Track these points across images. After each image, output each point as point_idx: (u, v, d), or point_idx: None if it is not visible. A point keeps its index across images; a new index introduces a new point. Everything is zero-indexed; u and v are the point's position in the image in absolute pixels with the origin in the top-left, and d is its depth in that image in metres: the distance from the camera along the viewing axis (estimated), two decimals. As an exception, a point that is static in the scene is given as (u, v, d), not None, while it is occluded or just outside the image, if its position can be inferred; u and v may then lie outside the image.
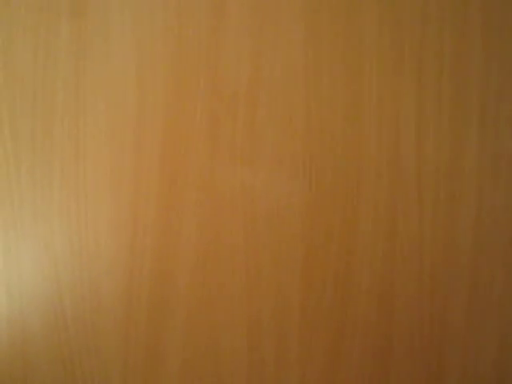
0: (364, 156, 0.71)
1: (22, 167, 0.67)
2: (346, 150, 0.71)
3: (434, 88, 0.72)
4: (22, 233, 0.67)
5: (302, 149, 0.70)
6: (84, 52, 0.67)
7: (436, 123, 0.73)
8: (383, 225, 0.72)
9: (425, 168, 0.73)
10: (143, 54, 0.67)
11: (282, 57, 0.69)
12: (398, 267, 0.73)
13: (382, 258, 0.73)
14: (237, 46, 0.69)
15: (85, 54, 0.67)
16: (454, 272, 0.74)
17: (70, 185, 0.67)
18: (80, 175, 0.67)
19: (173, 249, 0.68)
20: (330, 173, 0.71)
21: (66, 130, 0.67)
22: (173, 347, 0.69)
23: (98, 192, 0.67)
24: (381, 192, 0.72)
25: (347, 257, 0.72)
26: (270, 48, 0.69)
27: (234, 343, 0.70)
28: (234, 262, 0.69)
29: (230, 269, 0.69)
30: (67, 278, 0.68)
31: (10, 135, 0.67)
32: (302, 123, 0.70)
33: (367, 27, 0.71)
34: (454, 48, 0.72)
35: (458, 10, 0.72)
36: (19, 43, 0.67)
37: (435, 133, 0.73)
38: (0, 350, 0.68)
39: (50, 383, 0.68)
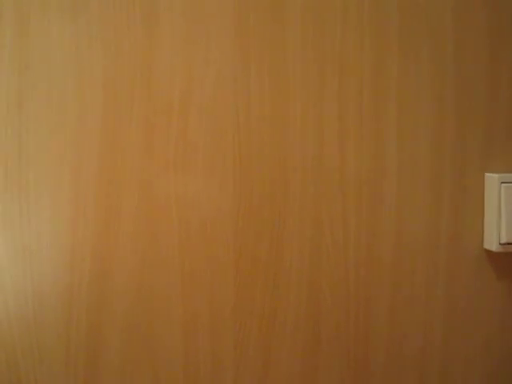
0: (290, 163, 0.76)
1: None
2: (273, 159, 0.75)
3: (356, 96, 0.77)
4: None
5: (232, 158, 0.74)
6: (26, 60, 0.68)
7: (357, 129, 0.77)
8: (309, 227, 0.77)
9: (347, 172, 0.77)
10: (82, 64, 0.70)
11: (213, 70, 0.73)
12: (324, 267, 0.77)
13: (309, 258, 0.77)
14: (170, 59, 0.71)
15: (27, 63, 0.68)
16: (377, 271, 0.79)
17: (12, 188, 0.69)
18: (22, 179, 0.69)
19: (112, 249, 0.71)
20: (258, 180, 0.75)
21: (9, 137, 0.70)
22: (112, 344, 0.72)
23: (40, 194, 0.69)
24: (306, 197, 0.76)
25: (276, 258, 0.76)
26: (202, 61, 0.72)
27: (171, 341, 0.73)
28: (170, 263, 0.73)
29: (166, 269, 0.73)
30: (10, 280, 0.69)
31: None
32: (232, 134, 0.74)
33: (291, 39, 0.74)
34: (374, 55, 0.77)
35: (378, 19, 0.77)
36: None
37: (356, 139, 0.77)
38: None
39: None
